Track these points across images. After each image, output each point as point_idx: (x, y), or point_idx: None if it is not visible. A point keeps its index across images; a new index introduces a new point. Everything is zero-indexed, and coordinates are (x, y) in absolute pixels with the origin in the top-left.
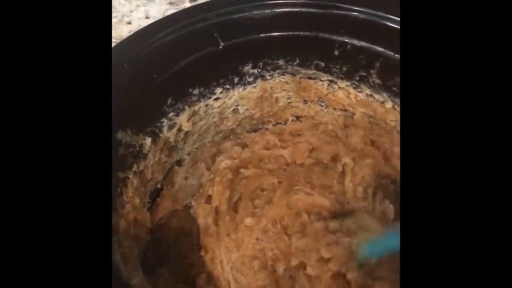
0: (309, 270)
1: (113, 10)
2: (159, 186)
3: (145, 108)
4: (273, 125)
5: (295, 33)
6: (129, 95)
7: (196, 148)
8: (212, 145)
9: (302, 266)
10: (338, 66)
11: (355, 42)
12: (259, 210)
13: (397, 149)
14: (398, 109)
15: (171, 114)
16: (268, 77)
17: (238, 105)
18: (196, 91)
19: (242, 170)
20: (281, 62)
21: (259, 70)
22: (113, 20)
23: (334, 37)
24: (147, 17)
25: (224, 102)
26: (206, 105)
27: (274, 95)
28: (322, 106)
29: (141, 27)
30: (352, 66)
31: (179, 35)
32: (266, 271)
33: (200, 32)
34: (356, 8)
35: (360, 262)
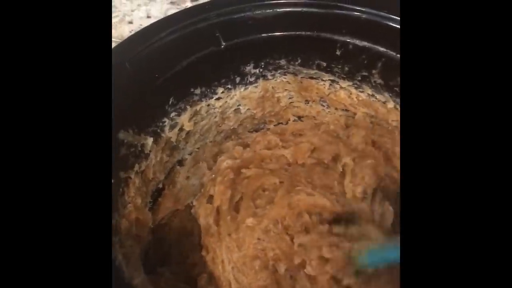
0: (309, 269)
1: (114, 9)
2: (160, 186)
3: (147, 108)
4: (274, 125)
5: (297, 33)
6: (131, 95)
7: (198, 148)
8: (214, 145)
9: (303, 265)
10: (340, 66)
11: (357, 42)
12: (260, 210)
13: (398, 150)
14: None
15: (172, 114)
16: (269, 77)
17: (239, 105)
18: (197, 91)
19: (243, 170)
20: (282, 62)
21: (261, 70)
22: (114, 20)
23: (336, 37)
24: (148, 17)
25: (226, 102)
26: (208, 105)
27: (276, 95)
28: (323, 106)
29: (143, 26)
30: (354, 66)
31: (181, 35)
32: (267, 271)
33: (202, 32)
34: (358, 8)
35: (357, 268)
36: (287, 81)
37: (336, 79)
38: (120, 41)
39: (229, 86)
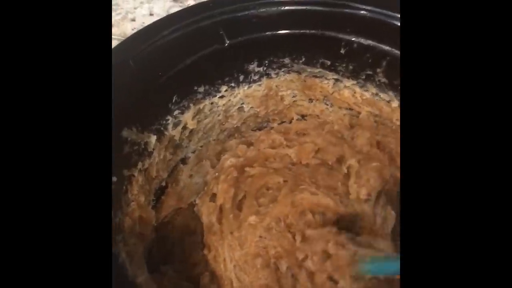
0: (309, 264)
1: (116, 7)
2: (163, 184)
3: (150, 106)
4: (278, 124)
5: (301, 31)
6: (134, 93)
7: (201, 146)
8: (217, 143)
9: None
10: (344, 65)
11: (362, 40)
12: (263, 208)
13: None
14: None
15: (176, 112)
16: (273, 75)
17: (243, 103)
18: (201, 89)
19: (247, 169)
20: (286, 60)
21: (265, 68)
22: (117, 17)
23: (341, 36)
24: (151, 14)
25: (229, 100)
26: (211, 103)
27: (279, 94)
28: (327, 105)
29: (145, 24)
30: (358, 65)
31: (184, 33)
32: (268, 269)
33: (205, 30)
34: (362, 7)
35: (356, 273)
36: (291, 80)
37: (340, 78)
38: (123, 38)
39: (233, 85)
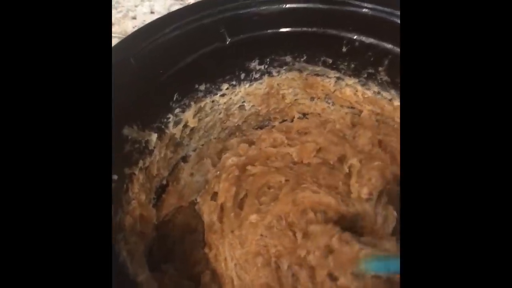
0: (310, 258)
1: (117, 4)
2: (164, 182)
3: (151, 104)
4: (279, 122)
5: (303, 29)
6: (135, 91)
7: (202, 145)
8: (218, 141)
9: (306, 260)
10: (345, 63)
11: (363, 38)
12: (264, 207)
13: None
14: None
15: (177, 110)
16: (274, 74)
17: (244, 101)
18: (202, 87)
19: (249, 168)
20: (288, 58)
21: (266, 67)
22: (118, 15)
23: (342, 34)
24: (152, 12)
25: (230, 98)
26: (212, 101)
27: (281, 92)
28: (329, 103)
29: (146, 22)
30: (360, 63)
31: (185, 31)
32: (269, 267)
33: (207, 28)
34: (364, 5)
35: (358, 269)
36: (292, 78)
37: (342, 76)
38: (123, 37)
39: (234, 83)
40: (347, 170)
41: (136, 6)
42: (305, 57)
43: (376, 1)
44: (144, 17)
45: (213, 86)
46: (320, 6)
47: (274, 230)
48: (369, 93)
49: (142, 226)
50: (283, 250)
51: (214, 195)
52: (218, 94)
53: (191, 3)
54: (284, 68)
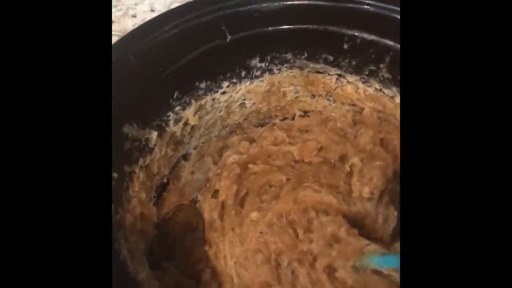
0: (313, 246)
1: (117, 3)
2: (165, 180)
3: (151, 102)
4: (280, 120)
5: (304, 26)
6: (135, 89)
7: (203, 143)
8: (219, 139)
9: (307, 257)
10: (347, 60)
11: (365, 35)
12: (265, 205)
13: None
14: None
15: (177, 108)
16: (275, 71)
17: (245, 99)
18: (202, 85)
19: (250, 166)
20: (289, 55)
21: (267, 64)
22: (118, 13)
23: (344, 31)
24: (152, 10)
25: (231, 96)
26: (213, 99)
27: (282, 89)
28: (330, 100)
29: (146, 20)
30: (361, 60)
31: (186, 28)
32: (268, 265)
33: (207, 25)
34: (365, 1)
35: (359, 262)
36: (294, 75)
37: (343, 74)
38: (123, 35)
39: (235, 80)
40: (348, 169)
41: (136, 4)
42: (306, 55)
43: None
44: (144, 15)
45: (213, 84)
46: (321, 3)
47: (274, 228)
48: (370, 91)
49: (142, 224)
50: (283, 247)
51: (215, 193)
52: (219, 92)
53: (191, 0)
54: (285, 65)
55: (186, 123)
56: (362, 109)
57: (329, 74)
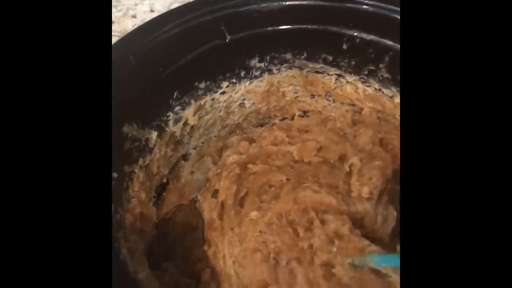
0: (315, 240)
1: (117, 3)
2: (165, 180)
3: (151, 102)
4: (280, 120)
5: (303, 26)
6: (135, 89)
7: (202, 143)
8: (218, 139)
9: (306, 257)
10: (346, 60)
11: (364, 35)
12: (265, 204)
13: None
14: None
15: (177, 108)
16: (275, 71)
17: (244, 99)
18: (202, 85)
19: (250, 166)
20: (288, 55)
21: (266, 64)
22: (118, 14)
23: (343, 31)
24: (151, 11)
25: (230, 96)
26: (212, 99)
27: (281, 89)
28: (329, 100)
29: (146, 20)
30: (360, 60)
31: (185, 28)
32: (267, 264)
33: (206, 25)
34: (365, 1)
35: (359, 261)
36: (293, 75)
37: (343, 74)
38: (123, 35)
39: (234, 80)
40: (347, 169)
41: (136, 4)
42: (305, 55)
43: None
44: (144, 16)
45: (213, 84)
46: (321, 3)
47: (273, 227)
48: (370, 90)
49: (142, 224)
50: (283, 246)
51: (215, 193)
52: (218, 92)
53: (191, 0)
54: (284, 65)
55: (185, 123)
56: (362, 109)
57: (328, 74)
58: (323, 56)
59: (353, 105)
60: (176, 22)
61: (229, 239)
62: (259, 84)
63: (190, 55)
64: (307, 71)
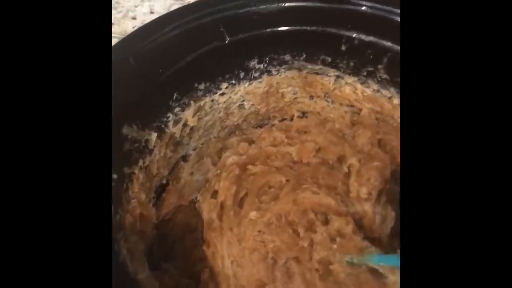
0: (316, 236)
1: (117, 5)
2: (164, 181)
3: (151, 103)
4: (279, 121)
5: (302, 27)
6: (134, 90)
7: (202, 144)
8: (218, 140)
9: (305, 256)
10: (345, 61)
11: (363, 37)
12: (264, 205)
13: None
14: None
15: (176, 109)
16: (274, 72)
17: (243, 100)
18: (201, 86)
19: (249, 167)
20: (287, 57)
21: (265, 65)
22: (118, 15)
23: (341, 32)
24: (151, 12)
25: (230, 97)
26: (212, 100)
27: (280, 91)
28: (328, 102)
29: (146, 22)
30: (359, 61)
31: (185, 30)
32: (264, 263)
33: (206, 27)
34: (363, 3)
35: (358, 259)
36: (292, 77)
37: (341, 75)
38: (123, 37)
39: (233, 82)
40: (346, 170)
41: (136, 6)
42: (304, 56)
43: None
44: (144, 17)
45: (212, 85)
46: (319, 4)
47: (272, 227)
48: (368, 91)
49: (142, 225)
50: (281, 245)
51: (214, 194)
52: (218, 93)
53: (191, 2)
54: (283, 67)
55: (185, 124)
56: (360, 110)
57: (327, 75)
58: (322, 57)
59: (352, 106)
60: (176, 24)
61: (228, 239)
62: (258, 85)
63: (190, 56)
64: (306, 72)
